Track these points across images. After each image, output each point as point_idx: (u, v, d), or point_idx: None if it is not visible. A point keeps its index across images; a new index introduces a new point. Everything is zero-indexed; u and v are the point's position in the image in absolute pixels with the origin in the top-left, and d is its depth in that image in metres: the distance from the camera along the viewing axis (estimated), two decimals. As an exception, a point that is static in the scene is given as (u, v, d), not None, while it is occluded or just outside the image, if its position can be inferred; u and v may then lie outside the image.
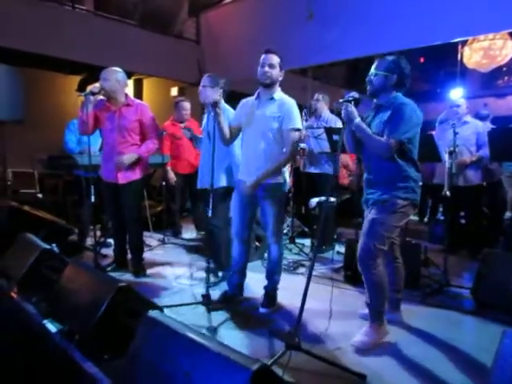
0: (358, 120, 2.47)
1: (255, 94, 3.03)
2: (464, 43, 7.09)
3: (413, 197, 2.51)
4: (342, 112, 2.52)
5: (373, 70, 2.54)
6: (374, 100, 2.63)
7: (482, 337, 2.74)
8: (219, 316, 2.80)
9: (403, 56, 2.53)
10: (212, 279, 3.52)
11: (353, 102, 2.51)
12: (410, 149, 2.47)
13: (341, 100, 2.51)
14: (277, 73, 2.90)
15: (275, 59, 2.88)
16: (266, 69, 2.87)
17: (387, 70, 2.48)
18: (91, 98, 3.33)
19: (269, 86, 2.91)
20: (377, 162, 2.54)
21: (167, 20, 8.17)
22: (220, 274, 3.57)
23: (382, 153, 2.44)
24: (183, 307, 2.99)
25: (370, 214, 2.56)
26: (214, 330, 2.64)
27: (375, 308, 2.58)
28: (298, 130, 2.93)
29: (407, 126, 2.39)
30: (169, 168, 5.09)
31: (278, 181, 2.95)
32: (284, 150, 2.91)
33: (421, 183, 2.60)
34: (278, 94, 2.96)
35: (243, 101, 3.13)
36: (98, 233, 4.64)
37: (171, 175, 5.10)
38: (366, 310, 2.88)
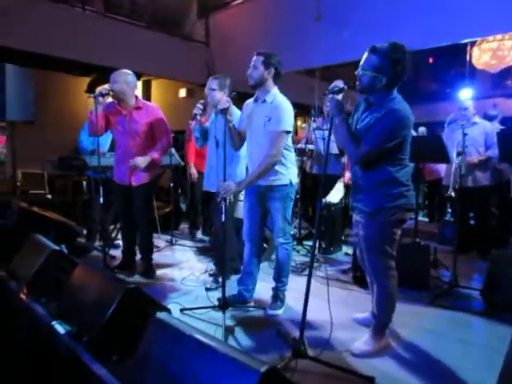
0: (341, 117, 2.30)
1: (254, 96, 3.04)
2: (473, 44, 7.05)
3: (402, 202, 2.32)
4: (328, 105, 2.36)
5: (362, 63, 2.27)
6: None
7: (492, 338, 2.71)
8: (228, 318, 2.80)
9: (398, 45, 2.20)
10: (214, 284, 3.51)
11: (339, 94, 2.35)
12: (399, 153, 2.28)
13: (326, 92, 2.38)
14: (259, 73, 2.85)
15: (258, 60, 2.86)
16: (248, 71, 2.89)
17: (376, 71, 2.20)
18: (100, 99, 3.33)
19: (255, 87, 2.91)
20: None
21: (176, 22, 8.20)
22: (219, 279, 3.54)
23: (352, 159, 2.31)
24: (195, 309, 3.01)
25: (361, 229, 2.45)
26: (229, 332, 2.64)
27: (382, 320, 2.51)
28: (287, 132, 2.85)
29: (389, 136, 2.20)
30: (192, 164, 5.08)
31: (283, 182, 2.94)
32: (284, 152, 2.91)
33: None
34: (271, 95, 2.90)
35: (245, 103, 3.14)
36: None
37: (193, 171, 5.07)
38: (362, 315, 2.88)
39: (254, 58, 2.89)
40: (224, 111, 2.80)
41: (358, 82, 2.30)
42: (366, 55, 2.27)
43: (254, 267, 3.20)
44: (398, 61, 2.19)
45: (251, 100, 3.08)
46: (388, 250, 2.39)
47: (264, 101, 2.92)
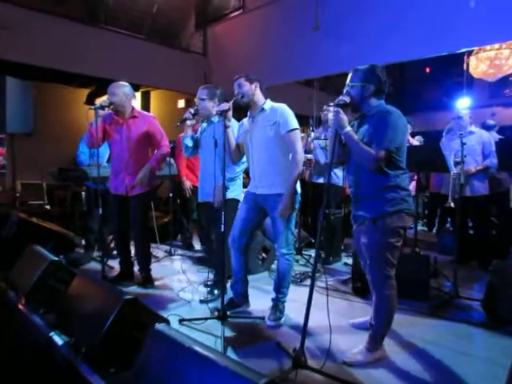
0: (348, 129, 2.36)
1: (248, 115, 3.11)
2: (470, 53, 7.10)
3: (403, 207, 2.37)
4: (333, 118, 2.43)
5: (348, 82, 2.49)
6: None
7: (494, 350, 2.67)
8: (226, 328, 2.78)
9: (376, 64, 2.45)
10: (209, 296, 3.49)
11: (343, 107, 2.40)
12: (398, 158, 2.37)
13: (331, 104, 2.42)
14: (247, 88, 2.96)
15: (240, 80, 2.98)
16: (236, 92, 2.98)
17: (363, 81, 2.41)
18: (100, 111, 3.35)
19: (249, 103, 2.99)
20: (365, 174, 2.42)
21: (174, 34, 8.28)
22: (216, 291, 3.50)
23: (370, 165, 2.32)
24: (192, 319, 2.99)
25: (364, 237, 2.46)
26: (228, 343, 2.62)
27: (379, 331, 2.50)
28: (296, 129, 2.93)
29: (394, 134, 2.30)
30: (184, 178, 5.01)
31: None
32: (290, 154, 2.94)
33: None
34: (267, 104, 3.01)
35: (240, 123, 3.21)
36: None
37: (187, 185, 5.01)
38: (358, 320, 2.92)
39: (235, 82, 3.00)
40: (224, 113, 2.82)
41: (348, 100, 2.41)
42: (350, 75, 2.49)
43: (244, 272, 3.24)
44: (380, 71, 2.43)
45: (245, 119, 3.15)
46: (389, 258, 2.40)
47: (262, 109, 2.98)
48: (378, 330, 2.50)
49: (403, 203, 2.38)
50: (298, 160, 2.90)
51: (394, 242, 2.39)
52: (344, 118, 2.38)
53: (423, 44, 5.17)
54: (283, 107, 2.97)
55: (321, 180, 5.07)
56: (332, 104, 2.41)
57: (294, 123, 2.93)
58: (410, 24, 5.27)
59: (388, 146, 2.28)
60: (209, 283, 3.73)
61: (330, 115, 5.04)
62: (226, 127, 2.88)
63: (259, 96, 3.02)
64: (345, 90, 2.47)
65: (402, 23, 5.34)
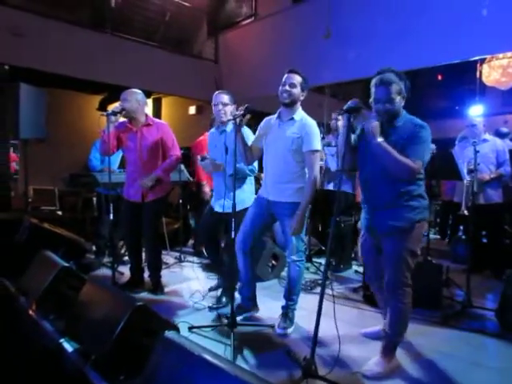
0: (381, 139, 2.31)
1: (276, 113, 3.02)
2: (482, 61, 7.05)
3: (425, 215, 2.44)
4: (365, 127, 2.38)
5: (380, 97, 2.35)
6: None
7: (507, 361, 2.64)
8: (236, 336, 2.76)
9: (395, 69, 2.39)
10: (216, 303, 3.47)
11: (356, 112, 2.36)
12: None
13: (341, 111, 2.39)
14: (298, 92, 2.89)
15: (297, 79, 2.88)
16: (286, 87, 2.87)
17: (399, 94, 2.35)
18: (112, 118, 3.37)
19: (289, 105, 2.90)
20: (386, 183, 2.39)
21: (187, 41, 8.35)
22: (224, 299, 3.49)
23: (408, 176, 2.32)
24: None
25: (388, 245, 2.43)
26: (237, 351, 2.61)
27: (394, 338, 2.49)
28: (317, 151, 2.91)
29: (427, 149, 2.34)
30: (204, 182, 5.01)
31: (300, 200, 2.93)
32: (306, 170, 2.92)
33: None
34: (299, 114, 2.94)
35: (265, 119, 3.13)
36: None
37: (207, 189, 4.98)
38: (370, 329, 2.90)
39: (294, 76, 2.89)
40: (238, 119, 2.77)
41: (384, 115, 2.36)
42: (377, 89, 2.37)
43: (250, 275, 3.21)
44: (405, 79, 2.39)
45: (273, 117, 3.07)
46: (410, 264, 2.42)
47: (292, 118, 2.93)
48: (394, 338, 2.49)
49: (425, 212, 2.43)
50: (313, 181, 2.88)
51: (417, 250, 2.45)
52: (377, 126, 2.33)
53: (435, 52, 5.15)
54: (312, 125, 2.91)
55: (331, 187, 5.05)
56: (344, 108, 2.36)
57: (318, 144, 2.90)
58: (421, 31, 5.26)
59: (423, 159, 2.31)
60: (215, 291, 3.73)
61: (340, 123, 5.01)
62: (238, 131, 2.82)
63: (298, 105, 2.96)
64: (382, 107, 2.37)
65: (413, 31, 5.33)
